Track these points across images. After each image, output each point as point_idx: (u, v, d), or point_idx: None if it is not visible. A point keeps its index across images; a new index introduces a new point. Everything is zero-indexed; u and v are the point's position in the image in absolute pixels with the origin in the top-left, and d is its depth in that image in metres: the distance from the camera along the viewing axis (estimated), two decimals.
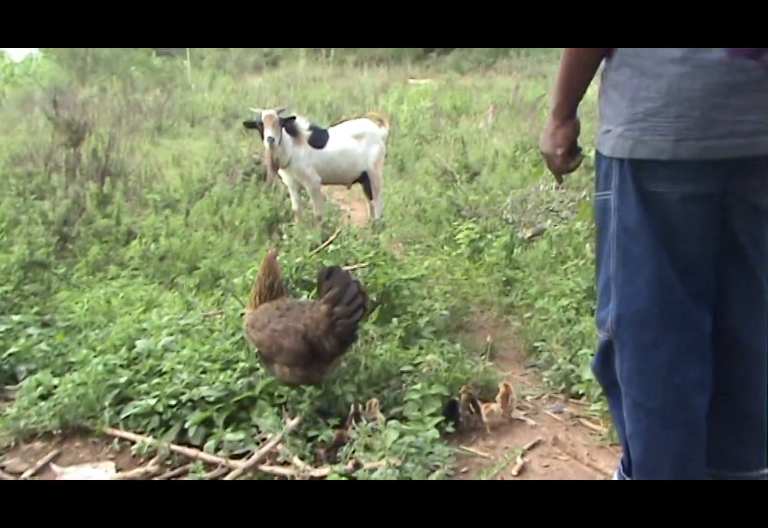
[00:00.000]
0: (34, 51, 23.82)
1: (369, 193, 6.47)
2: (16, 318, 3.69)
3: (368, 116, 7.10)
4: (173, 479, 2.59)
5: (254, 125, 5.83)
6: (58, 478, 2.61)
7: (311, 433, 2.74)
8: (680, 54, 1.52)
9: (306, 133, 5.92)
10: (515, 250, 4.79)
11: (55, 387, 3.05)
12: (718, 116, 1.54)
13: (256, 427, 2.78)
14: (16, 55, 21.87)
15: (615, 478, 2.11)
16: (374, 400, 2.84)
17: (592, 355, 3.17)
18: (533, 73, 23.66)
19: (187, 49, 25.70)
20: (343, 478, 2.34)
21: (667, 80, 1.56)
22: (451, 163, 7.65)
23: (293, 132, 5.83)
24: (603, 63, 1.74)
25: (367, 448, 2.53)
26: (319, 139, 5.99)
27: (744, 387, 1.81)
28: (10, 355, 3.39)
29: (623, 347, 1.79)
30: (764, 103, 1.53)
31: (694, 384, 1.74)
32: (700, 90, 1.53)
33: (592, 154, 1.95)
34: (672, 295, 1.69)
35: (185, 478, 2.56)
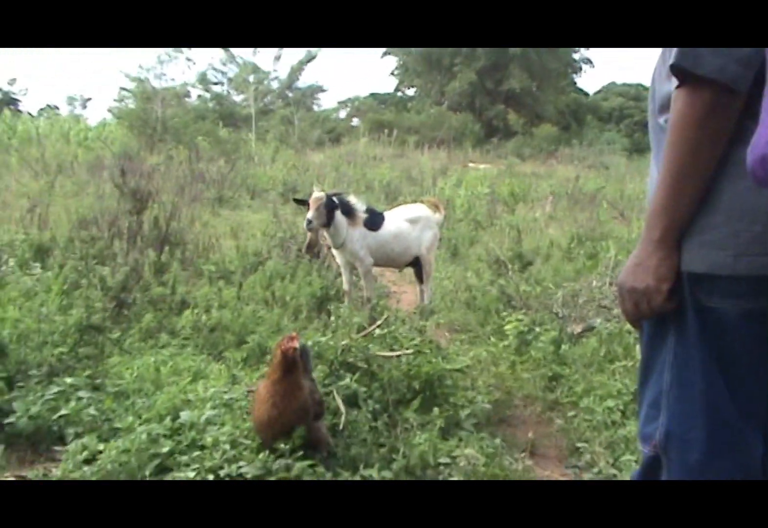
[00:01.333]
0: (108, 116, 24.98)
1: (420, 277, 6.53)
2: (68, 380, 3.76)
3: (424, 201, 7.22)
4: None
5: (303, 202, 5.97)
6: None
7: None
8: (742, 169, 1.46)
9: (362, 215, 6.04)
10: (563, 346, 4.75)
11: (100, 452, 3.09)
12: None
13: None
14: (92, 119, 23.03)
15: None
16: None
17: (635, 462, 3.12)
18: (594, 164, 23.90)
19: (253, 123, 26.64)
20: None
21: (728, 195, 1.54)
22: (505, 252, 7.67)
23: (349, 213, 5.95)
24: None
25: None
26: (374, 221, 6.11)
27: None
28: (60, 417, 3.46)
29: (670, 466, 1.70)
30: None
31: None
32: (763, 205, 1.51)
33: None
34: (722, 415, 1.62)
35: None
